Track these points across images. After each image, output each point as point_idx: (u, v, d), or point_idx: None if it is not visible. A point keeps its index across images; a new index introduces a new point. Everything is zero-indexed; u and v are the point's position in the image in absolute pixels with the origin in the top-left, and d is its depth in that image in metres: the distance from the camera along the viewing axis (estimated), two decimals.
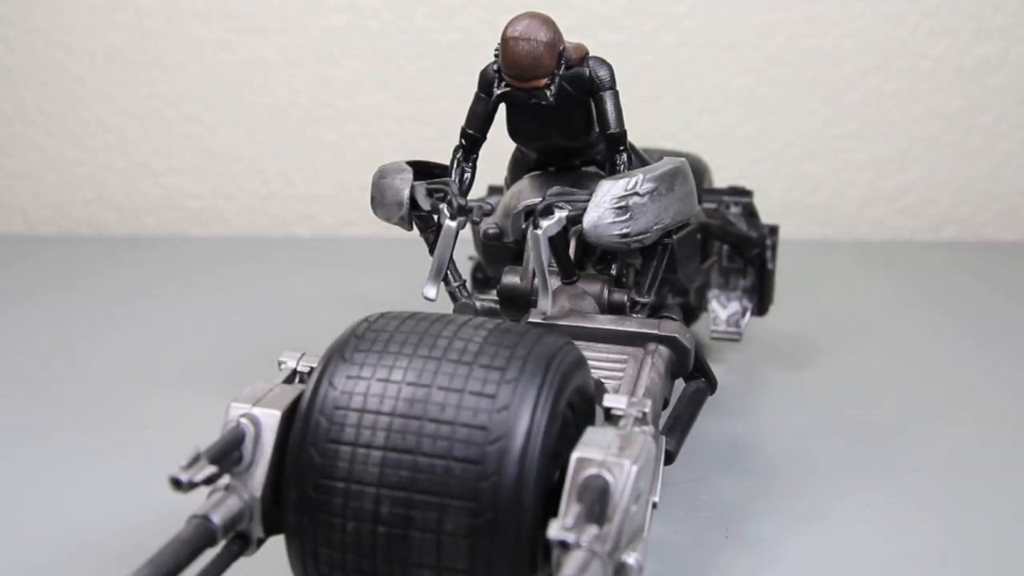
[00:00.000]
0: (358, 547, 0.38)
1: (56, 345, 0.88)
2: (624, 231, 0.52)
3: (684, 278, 0.66)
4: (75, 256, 1.22)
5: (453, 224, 0.55)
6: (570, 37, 0.56)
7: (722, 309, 0.80)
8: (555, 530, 0.34)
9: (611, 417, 0.43)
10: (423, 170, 0.59)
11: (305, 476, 0.39)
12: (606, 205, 0.51)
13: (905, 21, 1.32)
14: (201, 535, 0.38)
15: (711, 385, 0.56)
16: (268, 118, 1.35)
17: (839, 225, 1.35)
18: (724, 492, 0.61)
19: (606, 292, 0.57)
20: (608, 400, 0.43)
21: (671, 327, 0.53)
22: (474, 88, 0.58)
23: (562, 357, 0.40)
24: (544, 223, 0.52)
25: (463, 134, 0.59)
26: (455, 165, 0.59)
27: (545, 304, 0.54)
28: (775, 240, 0.81)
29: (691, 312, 0.83)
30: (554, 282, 0.56)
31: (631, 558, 0.37)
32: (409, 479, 0.37)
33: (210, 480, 0.38)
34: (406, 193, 0.57)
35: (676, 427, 0.51)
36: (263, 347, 0.85)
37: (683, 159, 0.56)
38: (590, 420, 0.44)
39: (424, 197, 0.57)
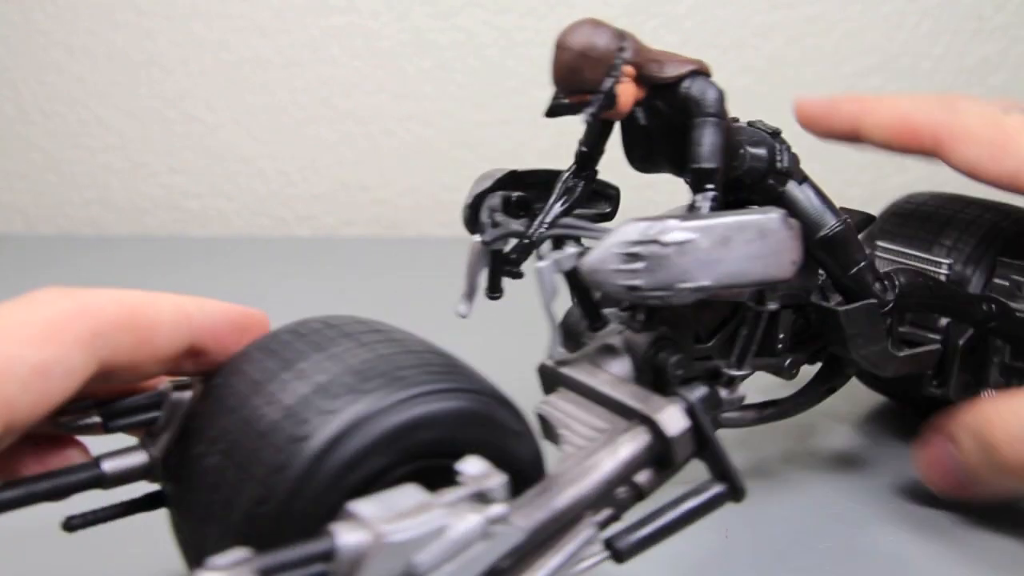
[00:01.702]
0: (187, 513, 0.40)
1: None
2: (632, 283, 0.44)
3: (865, 362, 0.56)
4: (75, 256, 1.22)
5: (476, 240, 0.51)
6: None
7: None
8: (205, 567, 0.32)
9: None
10: (541, 180, 0.54)
11: (175, 444, 0.42)
12: (613, 249, 0.44)
13: (905, 21, 1.32)
14: (87, 474, 0.41)
15: (734, 493, 0.45)
16: (268, 118, 1.35)
17: None
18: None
19: (650, 349, 0.50)
20: (461, 464, 0.38)
21: (657, 406, 0.45)
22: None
23: (435, 400, 0.39)
24: (551, 256, 0.47)
25: (577, 150, 0.54)
26: (560, 182, 0.53)
27: (553, 348, 0.49)
28: None
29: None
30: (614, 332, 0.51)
31: None
32: (229, 452, 0.39)
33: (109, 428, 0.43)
34: (473, 197, 0.53)
35: (642, 525, 0.43)
36: None
37: (778, 212, 0.47)
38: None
39: (489, 207, 0.53)
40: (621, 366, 0.49)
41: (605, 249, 0.44)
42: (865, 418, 0.73)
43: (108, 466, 0.42)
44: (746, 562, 0.54)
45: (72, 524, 0.44)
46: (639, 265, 0.44)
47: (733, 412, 0.58)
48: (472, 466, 0.38)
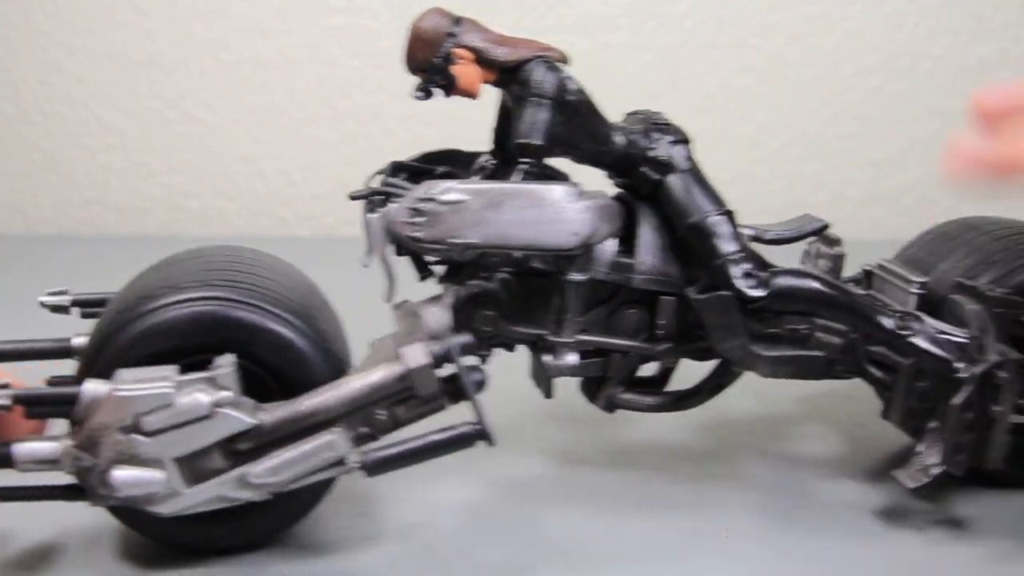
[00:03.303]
0: None
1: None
2: (415, 234, 0.51)
3: (732, 358, 0.57)
4: (75, 256, 1.22)
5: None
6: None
7: (931, 448, 0.56)
8: None
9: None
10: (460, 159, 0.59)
11: None
12: (404, 204, 0.51)
13: (905, 21, 1.32)
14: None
15: (481, 436, 0.49)
16: (268, 118, 1.35)
17: (839, 225, 1.34)
18: (724, 491, 0.61)
19: (463, 305, 0.55)
20: (219, 363, 0.48)
21: (409, 343, 0.50)
22: None
23: (213, 304, 0.49)
24: (379, 211, 0.52)
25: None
26: (476, 162, 0.59)
27: (388, 293, 0.55)
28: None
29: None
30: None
31: (108, 468, 0.46)
32: (103, 321, 0.53)
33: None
34: (388, 163, 0.58)
35: (391, 447, 0.48)
36: None
37: (565, 185, 0.52)
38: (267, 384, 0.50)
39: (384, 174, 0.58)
40: (440, 316, 0.54)
41: (399, 204, 0.51)
42: (871, 422, 0.73)
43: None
44: (746, 562, 0.54)
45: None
46: (421, 219, 0.50)
47: (629, 395, 0.60)
48: (222, 359, 0.48)
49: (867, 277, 0.65)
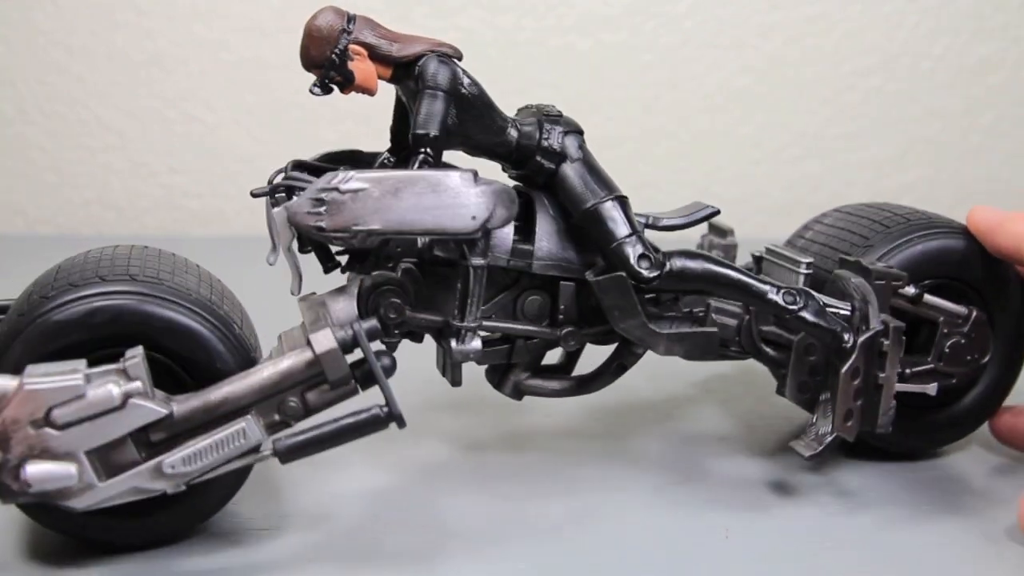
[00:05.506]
0: None
1: None
2: (317, 224, 0.51)
3: (631, 338, 0.59)
4: None
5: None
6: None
7: (824, 418, 0.59)
8: None
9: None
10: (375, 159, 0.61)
11: None
12: (307, 195, 0.51)
13: (905, 21, 1.32)
14: None
15: (391, 418, 0.49)
16: (268, 118, 1.35)
17: None
18: (724, 492, 0.62)
19: (368, 294, 0.56)
20: (129, 354, 0.48)
21: (317, 328, 0.51)
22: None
23: (119, 298, 0.50)
24: (283, 204, 0.53)
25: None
26: (377, 161, 0.61)
27: (293, 285, 0.56)
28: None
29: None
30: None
31: (20, 464, 0.45)
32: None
33: None
34: (291, 161, 0.58)
35: (303, 434, 0.49)
36: (263, 346, 0.84)
37: (462, 171, 0.53)
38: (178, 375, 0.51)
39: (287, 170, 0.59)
40: (347, 305, 0.55)
41: (302, 196, 0.51)
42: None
43: None
44: (745, 562, 0.54)
45: None
46: (323, 209, 0.51)
47: (535, 381, 0.61)
48: (131, 351, 0.48)
49: (757, 263, 0.68)
